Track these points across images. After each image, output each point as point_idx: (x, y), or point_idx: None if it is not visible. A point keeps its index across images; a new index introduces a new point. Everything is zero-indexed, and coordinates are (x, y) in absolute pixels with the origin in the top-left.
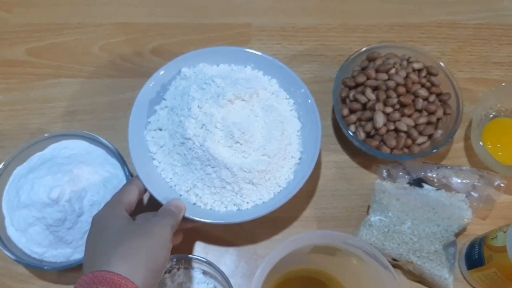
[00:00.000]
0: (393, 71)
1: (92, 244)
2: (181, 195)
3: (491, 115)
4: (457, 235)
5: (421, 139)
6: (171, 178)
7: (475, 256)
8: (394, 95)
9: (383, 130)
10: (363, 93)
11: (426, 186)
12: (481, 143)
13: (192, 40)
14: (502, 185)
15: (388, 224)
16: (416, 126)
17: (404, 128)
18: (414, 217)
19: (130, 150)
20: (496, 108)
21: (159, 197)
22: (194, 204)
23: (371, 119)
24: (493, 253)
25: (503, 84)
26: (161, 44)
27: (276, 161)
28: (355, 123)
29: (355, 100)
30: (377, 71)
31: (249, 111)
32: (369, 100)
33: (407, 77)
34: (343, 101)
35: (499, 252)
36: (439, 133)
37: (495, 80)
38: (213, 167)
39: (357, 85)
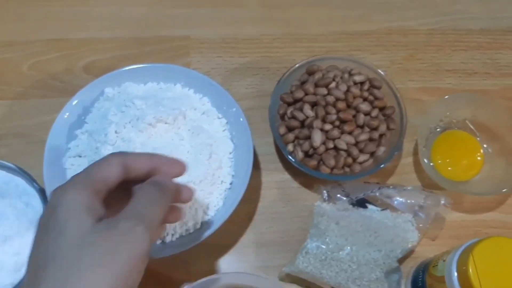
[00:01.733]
0: (333, 85)
1: (33, 265)
2: None
3: (439, 129)
4: (402, 259)
5: (362, 157)
6: None
7: (419, 284)
8: (333, 111)
9: (322, 149)
10: (301, 109)
11: (370, 206)
12: (425, 160)
13: (127, 55)
14: (448, 205)
15: (326, 251)
16: (357, 143)
17: (344, 146)
18: (353, 243)
19: (44, 180)
20: (447, 120)
21: None
22: None
23: (309, 137)
24: (434, 282)
25: (446, 97)
26: (94, 61)
27: (203, 188)
28: (293, 141)
29: (293, 117)
30: (316, 85)
31: (173, 134)
32: (307, 117)
33: (348, 91)
34: (282, 118)
35: (440, 282)
36: (381, 150)
37: (448, 89)
38: None
39: (296, 101)
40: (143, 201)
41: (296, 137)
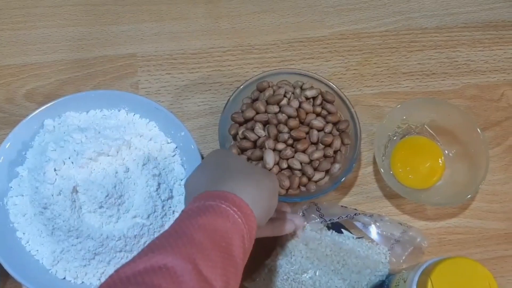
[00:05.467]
0: (284, 101)
1: (214, 166)
2: (49, 270)
3: (397, 136)
4: None
5: (317, 176)
6: (37, 251)
7: None
8: (285, 129)
9: (275, 170)
10: (252, 129)
11: (345, 232)
12: (383, 170)
13: (70, 79)
14: (423, 244)
15: (289, 271)
16: (311, 162)
17: (298, 165)
18: (319, 267)
19: None
20: (405, 126)
21: (22, 278)
22: (64, 278)
23: (262, 158)
24: None
25: (398, 106)
26: (35, 87)
27: (152, 221)
28: None
29: (245, 138)
30: (267, 103)
31: (117, 166)
32: (259, 137)
33: (300, 107)
34: (234, 138)
35: None
36: (336, 167)
37: (405, 93)
38: (77, 238)
39: (247, 121)
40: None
41: (249, 159)
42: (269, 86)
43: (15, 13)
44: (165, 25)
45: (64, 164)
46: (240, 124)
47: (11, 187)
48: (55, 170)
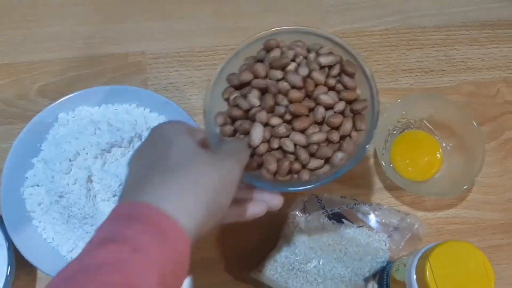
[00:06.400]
0: (291, 67)
1: (141, 160)
2: (64, 256)
3: (397, 130)
4: (368, 278)
5: (314, 163)
6: (53, 238)
7: (383, 286)
8: (285, 101)
9: (263, 149)
10: (246, 96)
11: (346, 222)
12: (384, 163)
13: (81, 76)
14: (420, 230)
15: (294, 261)
16: (308, 145)
17: (291, 147)
18: (322, 256)
19: (2, 211)
20: (404, 121)
21: (39, 263)
22: None
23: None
24: (397, 286)
25: (399, 101)
26: (47, 83)
27: None
28: (232, 136)
29: (236, 105)
30: (271, 66)
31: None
32: (252, 106)
33: (309, 76)
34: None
35: (401, 286)
36: (339, 156)
37: (405, 89)
38: (91, 226)
39: (243, 85)
40: (234, 144)
41: (236, 131)
42: (277, 46)
43: (27, 11)
44: (173, 23)
45: (79, 155)
46: (236, 88)
47: (27, 178)
48: (70, 160)
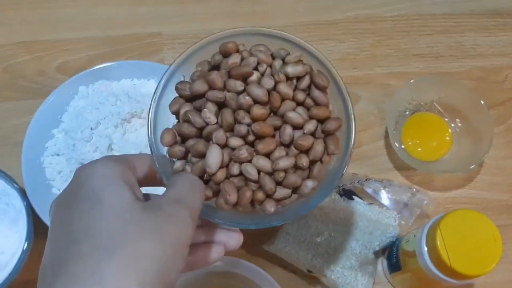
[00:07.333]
0: (254, 77)
1: (59, 242)
2: None
3: (408, 112)
4: (378, 253)
5: (280, 193)
6: None
7: (393, 260)
8: (246, 119)
9: (221, 176)
10: (201, 111)
11: (357, 199)
12: (396, 144)
13: (99, 55)
14: (430, 206)
15: (305, 233)
16: (274, 172)
17: (254, 175)
18: (333, 229)
19: (24, 179)
20: (415, 103)
21: None
22: None
23: (204, 155)
24: (407, 257)
25: (412, 81)
26: (67, 61)
27: None
28: (184, 158)
29: (188, 121)
30: (229, 75)
31: None
32: (207, 124)
33: (275, 89)
34: (178, 118)
35: (411, 257)
36: (309, 186)
37: (415, 73)
38: None
39: (196, 97)
40: (185, 185)
41: (187, 152)
42: (237, 51)
43: None
44: (189, 7)
45: (100, 124)
46: (187, 99)
47: (47, 147)
48: (91, 129)
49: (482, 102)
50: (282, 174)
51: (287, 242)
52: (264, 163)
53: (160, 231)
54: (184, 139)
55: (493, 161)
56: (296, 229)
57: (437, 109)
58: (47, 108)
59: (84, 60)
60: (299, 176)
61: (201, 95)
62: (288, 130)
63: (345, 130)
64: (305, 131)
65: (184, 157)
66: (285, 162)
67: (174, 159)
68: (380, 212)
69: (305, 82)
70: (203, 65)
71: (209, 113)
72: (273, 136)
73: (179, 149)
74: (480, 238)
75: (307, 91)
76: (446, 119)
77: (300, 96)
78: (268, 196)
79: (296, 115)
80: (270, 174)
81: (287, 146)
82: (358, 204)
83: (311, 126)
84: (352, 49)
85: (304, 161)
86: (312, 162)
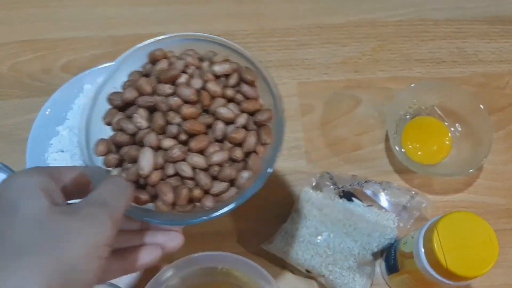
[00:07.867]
0: (182, 79)
1: None
2: None
3: (408, 115)
4: (376, 254)
5: (217, 187)
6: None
7: (391, 262)
8: (177, 119)
9: (155, 178)
10: (131, 117)
11: (356, 200)
12: (396, 147)
13: (103, 54)
14: (429, 209)
15: (304, 233)
16: (209, 167)
17: (188, 172)
18: (332, 230)
19: None
20: (415, 107)
21: None
22: None
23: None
24: (404, 259)
25: (412, 85)
26: (71, 60)
27: None
28: (119, 166)
29: (121, 129)
30: (158, 80)
31: None
32: (139, 129)
33: (203, 88)
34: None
35: (409, 258)
36: (244, 176)
37: (417, 78)
38: None
39: (127, 105)
40: (108, 188)
41: (122, 160)
42: (165, 57)
43: None
44: (191, 8)
45: None
46: (120, 109)
47: (52, 144)
48: None
49: (482, 106)
50: (216, 168)
51: (286, 242)
52: (198, 159)
53: (73, 232)
54: (119, 147)
55: (493, 166)
56: (295, 229)
57: (437, 114)
58: (52, 105)
59: (88, 59)
60: (235, 169)
61: (132, 103)
62: (219, 125)
63: (275, 120)
64: (237, 125)
65: (120, 164)
66: (219, 156)
67: (110, 168)
68: (379, 214)
69: (233, 79)
70: (134, 74)
71: (140, 118)
72: (206, 133)
73: (113, 157)
74: (477, 240)
75: (237, 87)
76: (446, 124)
77: (230, 92)
78: (206, 192)
79: (226, 111)
80: (205, 170)
81: (220, 141)
82: (357, 205)
83: (242, 119)
84: (354, 53)
85: (237, 153)
86: (247, 154)
